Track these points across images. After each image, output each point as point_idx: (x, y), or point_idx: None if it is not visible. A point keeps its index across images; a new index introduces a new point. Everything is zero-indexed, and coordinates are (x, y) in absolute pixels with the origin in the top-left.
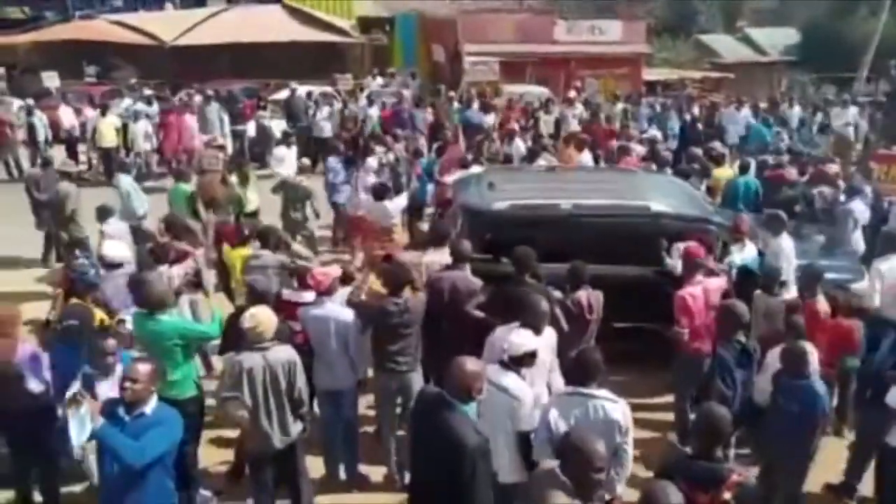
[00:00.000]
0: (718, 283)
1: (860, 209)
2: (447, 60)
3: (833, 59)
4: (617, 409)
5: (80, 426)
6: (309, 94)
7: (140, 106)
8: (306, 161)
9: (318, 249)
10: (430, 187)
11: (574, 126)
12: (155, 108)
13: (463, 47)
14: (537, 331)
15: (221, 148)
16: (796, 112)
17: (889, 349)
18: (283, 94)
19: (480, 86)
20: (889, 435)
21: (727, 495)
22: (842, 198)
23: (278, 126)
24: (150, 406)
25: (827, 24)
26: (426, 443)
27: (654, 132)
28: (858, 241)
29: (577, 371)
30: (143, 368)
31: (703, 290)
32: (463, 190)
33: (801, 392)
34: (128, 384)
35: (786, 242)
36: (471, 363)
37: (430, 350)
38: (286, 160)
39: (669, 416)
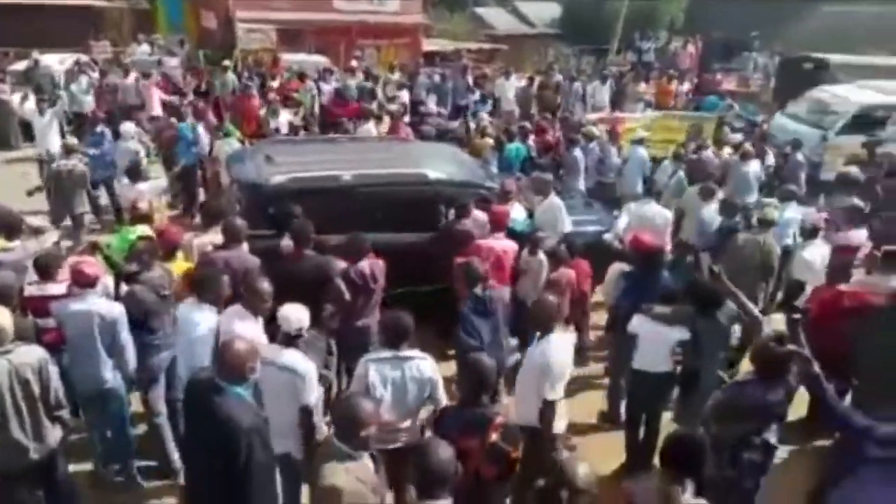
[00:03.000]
0: (513, 247)
1: (578, 157)
2: (218, 27)
3: (591, 33)
4: (428, 364)
5: None
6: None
7: None
8: (73, 140)
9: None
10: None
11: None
12: None
13: (235, 13)
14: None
15: None
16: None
17: (632, 284)
18: (22, 65)
19: (256, 54)
20: (633, 360)
21: (494, 436)
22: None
23: (22, 100)
24: None
25: None
26: (199, 429)
27: (432, 106)
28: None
29: (388, 335)
30: None
31: (501, 248)
32: (238, 164)
33: None
34: None
35: (557, 199)
36: (240, 343)
37: None
38: (48, 135)
39: None
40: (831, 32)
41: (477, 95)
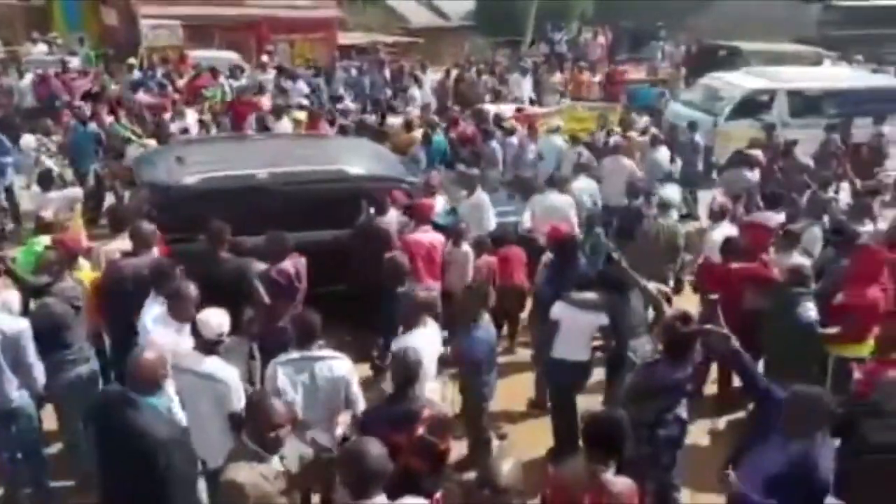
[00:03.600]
0: (440, 239)
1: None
2: (120, 24)
3: (505, 25)
4: (342, 364)
5: None
6: None
7: None
8: None
9: None
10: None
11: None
12: None
13: (138, 9)
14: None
15: None
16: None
17: (552, 273)
18: None
19: (163, 52)
20: (551, 348)
21: (422, 430)
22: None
23: None
24: None
25: None
26: (113, 444)
27: (348, 103)
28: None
29: (296, 335)
30: None
31: (429, 242)
32: (147, 167)
33: None
34: None
35: (484, 196)
36: (148, 352)
37: (121, 346)
38: None
39: None
40: (733, 22)
41: (415, 90)
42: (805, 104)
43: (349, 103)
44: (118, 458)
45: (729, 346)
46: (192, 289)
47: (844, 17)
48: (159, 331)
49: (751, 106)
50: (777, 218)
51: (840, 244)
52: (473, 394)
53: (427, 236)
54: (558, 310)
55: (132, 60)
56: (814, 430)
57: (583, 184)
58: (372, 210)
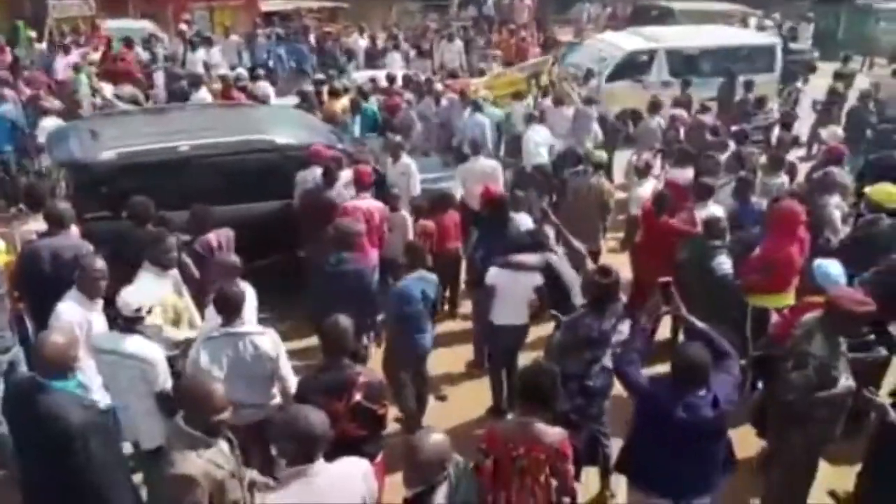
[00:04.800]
0: (379, 206)
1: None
2: None
3: None
4: (266, 339)
5: None
6: None
7: None
8: None
9: None
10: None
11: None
12: None
13: None
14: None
15: None
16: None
17: (477, 239)
18: None
19: (74, 23)
20: (490, 313)
21: (358, 396)
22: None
23: None
24: None
25: None
26: (27, 432)
27: (240, 70)
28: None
29: (218, 310)
30: None
31: (367, 209)
32: (60, 143)
33: None
34: None
35: (409, 161)
36: (57, 335)
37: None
38: None
39: None
40: None
41: (396, 54)
42: (684, 63)
43: (241, 70)
44: (34, 447)
45: (688, 319)
46: (101, 265)
47: None
48: (70, 310)
49: (631, 66)
50: (686, 174)
51: (738, 190)
52: (398, 345)
53: (365, 203)
54: (494, 274)
55: (32, 34)
56: (699, 384)
57: (477, 118)
58: (320, 181)
